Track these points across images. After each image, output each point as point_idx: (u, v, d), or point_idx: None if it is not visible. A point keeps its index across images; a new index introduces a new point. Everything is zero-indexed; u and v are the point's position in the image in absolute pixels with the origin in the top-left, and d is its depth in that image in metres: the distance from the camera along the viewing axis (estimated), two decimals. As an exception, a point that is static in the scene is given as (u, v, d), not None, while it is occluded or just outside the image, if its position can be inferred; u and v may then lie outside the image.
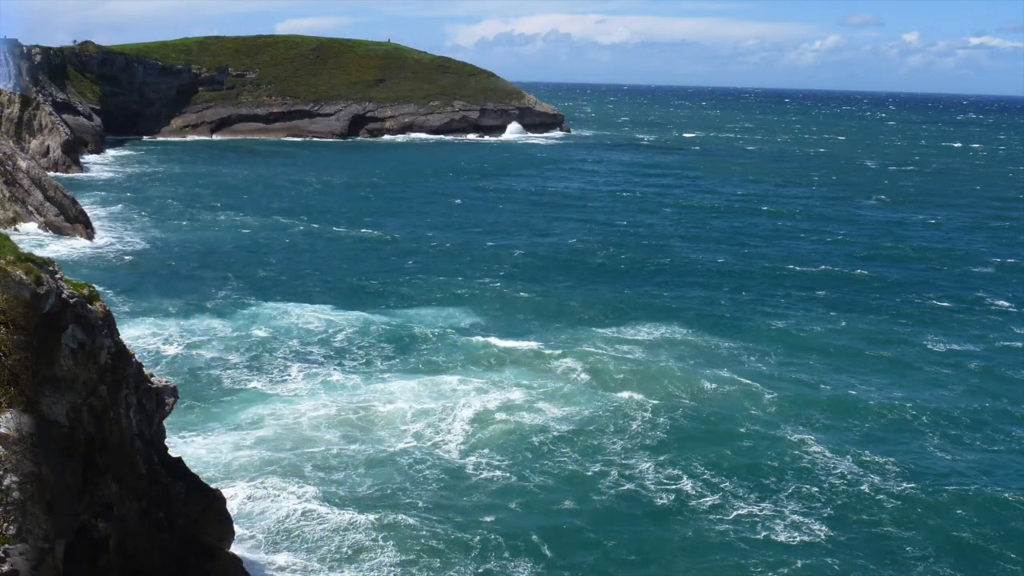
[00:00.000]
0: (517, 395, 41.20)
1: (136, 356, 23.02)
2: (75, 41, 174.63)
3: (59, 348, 19.42)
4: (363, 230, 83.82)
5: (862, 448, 37.02)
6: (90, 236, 75.11)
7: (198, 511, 24.16)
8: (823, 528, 30.81)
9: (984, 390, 44.82)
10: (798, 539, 30.11)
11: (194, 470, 26.22)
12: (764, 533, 30.39)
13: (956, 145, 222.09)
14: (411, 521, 30.15)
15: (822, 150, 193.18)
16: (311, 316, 52.96)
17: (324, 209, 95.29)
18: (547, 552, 28.85)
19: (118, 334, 21.54)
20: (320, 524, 29.88)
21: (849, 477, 34.48)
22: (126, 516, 21.52)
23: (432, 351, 47.87)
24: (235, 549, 26.10)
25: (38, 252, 21.85)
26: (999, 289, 66.57)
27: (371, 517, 30.20)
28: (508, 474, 34.10)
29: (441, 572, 27.64)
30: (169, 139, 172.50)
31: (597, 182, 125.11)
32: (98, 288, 22.43)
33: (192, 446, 34.78)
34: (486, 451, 35.84)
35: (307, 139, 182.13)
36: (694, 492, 33.11)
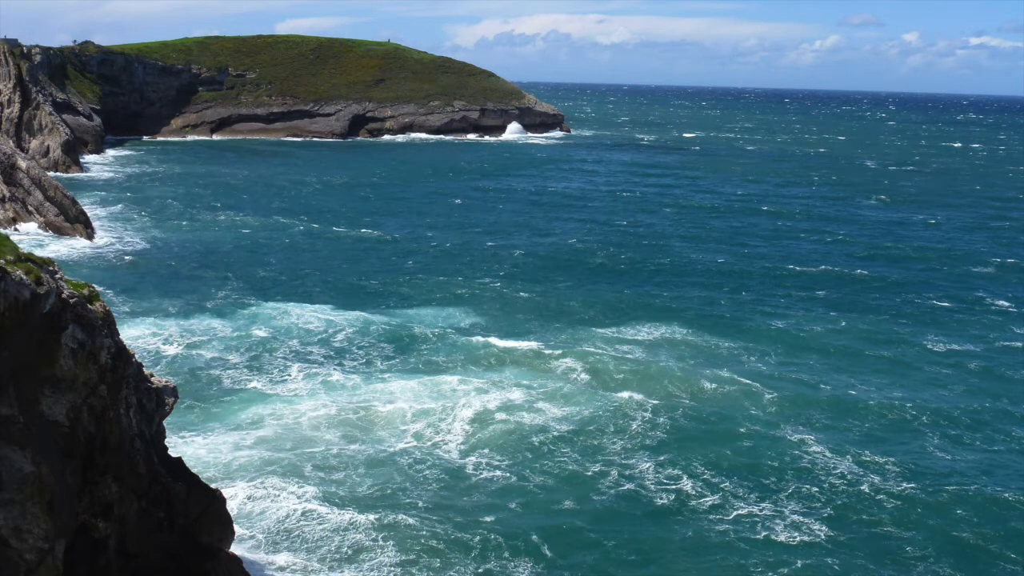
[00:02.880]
0: (517, 395, 41.20)
1: (136, 356, 23.02)
2: (75, 41, 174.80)
3: (59, 348, 19.42)
4: (363, 230, 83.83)
5: (862, 448, 37.03)
6: (90, 236, 75.12)
7: (198, 511, 24.16)
8: (823, 528, 30.82)
9: (984, 390, 44.83)
10: (798, 539, 30.12)
11: (194, 470, 26.23)
12: (764, 533, 30.40)
13: (956, 145, 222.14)
14: (411, 521, 30.16)
15: (822, 150, 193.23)
16: (311, 316, 52.96)
17: (324, 209, 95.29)
18: (547, 552, 28.86)
19: (118, 334, 21.54)
20: (320, 524, 29.88)
21: (849, 477, 34.49)
22: (126, 516, 21.52)
23: (432, 351, 47.88)
24: (235, 549, 26.10)
25: (38, 252, 21.85)
26: (999, 289, 66.58)
27: (371, 517, 30.21)
28: (508, 474, 34.11)
29: (441, 572, 27.65)
30: (169, 139, 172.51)
31: (597, 182, 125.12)
32: (98, 288, 22.44)
33: (192, 446, 34.78)
34: (486, 451, 35.85)
35: (307, 139, 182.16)
36: (694, 492, 33.12)
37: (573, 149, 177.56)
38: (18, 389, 18.48)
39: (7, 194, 76.66)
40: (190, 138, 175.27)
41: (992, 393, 44.37)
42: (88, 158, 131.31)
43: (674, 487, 33.41)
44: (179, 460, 24.95)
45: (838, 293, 63.92)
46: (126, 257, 69.41)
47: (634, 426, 38.42)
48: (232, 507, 27.81)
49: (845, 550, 29.57)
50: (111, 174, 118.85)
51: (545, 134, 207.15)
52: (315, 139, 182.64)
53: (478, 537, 29.39)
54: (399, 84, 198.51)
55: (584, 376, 44.32)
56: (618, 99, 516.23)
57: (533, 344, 48.83)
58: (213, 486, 26.00)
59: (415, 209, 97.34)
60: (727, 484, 33.76)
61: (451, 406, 39.53)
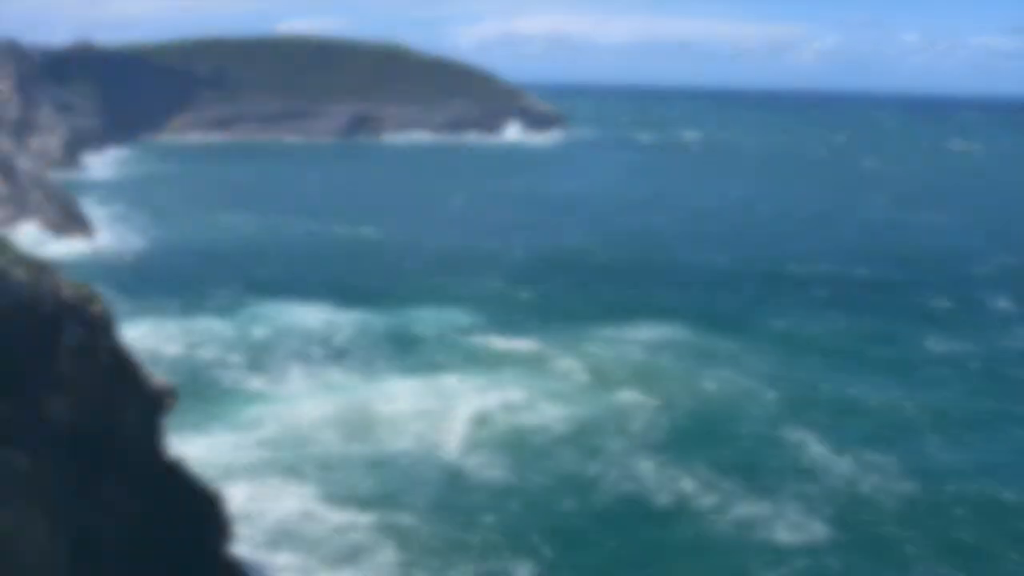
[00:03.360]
0: (517, 395, 41.25)
1: (136, 356, 23.03)
2: (75, 41, 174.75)
3: (59, 348, 19.43)
4: (363, 230, 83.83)
5: (862, 448, 37.06)
6: (90, 236, 75.12)
7: (198, 511, 24.16)
8: (823, 528, 30.84)
9: (984, 390, 44.87)
10: (798, 539, 30.15)
11: (194, 470, 26.21)
12: (764, 533, 30.41)
13: (956, 145, 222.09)
14: (411, 521, 30.19)
15: (822, 150, 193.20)
16: (311, 316, 53.01)
17: (324, 209, 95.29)
18: (547, 552, 28.88)
19: (118, 334, 21.55)
20: (320, 524, 29.92)
21: (849, 477, 34.54)
22: (126, 516, 21.52)
23: (432, 351, 47.93)
24: (235, 549, 26.11)
25: (38, 252, 21.86)
26: (999, 289, 66.56)
27: (371, 517, 30.25)
28: (508, 474, 34.14)
29: (441, 572, 27.68)
30: (169, 139, 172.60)
31: (597, 182, 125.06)
32: (98, 288, 22.44)
33: (192, 446, 34.72)
34: (486, 451, 35.89)
35: (307, 139, 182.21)
36: (694, 492, 33.14)
37: (573, 149, 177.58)
38: (18, 389, 18.49)
39: (7, 194, 76.68)
40: (190, 138, 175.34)
41: (992, 393, 44.41)
42: (88, 158, 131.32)
43: (674, 487, 33.42)
44: (179, 460, 24.95)
45: (838, 293, 63.92)
46: (126, 257, 69.42)
47: (634, 426, 38.45)
48: (232, 507, 27.79)
49: (845, 550, 29.58)
50: (111, 174, 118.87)
51: (545, 134, 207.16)
52: (315, 139, 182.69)
53: (478, 537, 29.42)
54: (399, 84, 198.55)
55: (584, 376, 44.35)
56: (618, 99, 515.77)
57: (533, 344, 48.86)
58: (213, 486, 25.99)
59: (415, 209, 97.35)
60: (727, 484, 33.77)
61: (451, 406, 39.57)
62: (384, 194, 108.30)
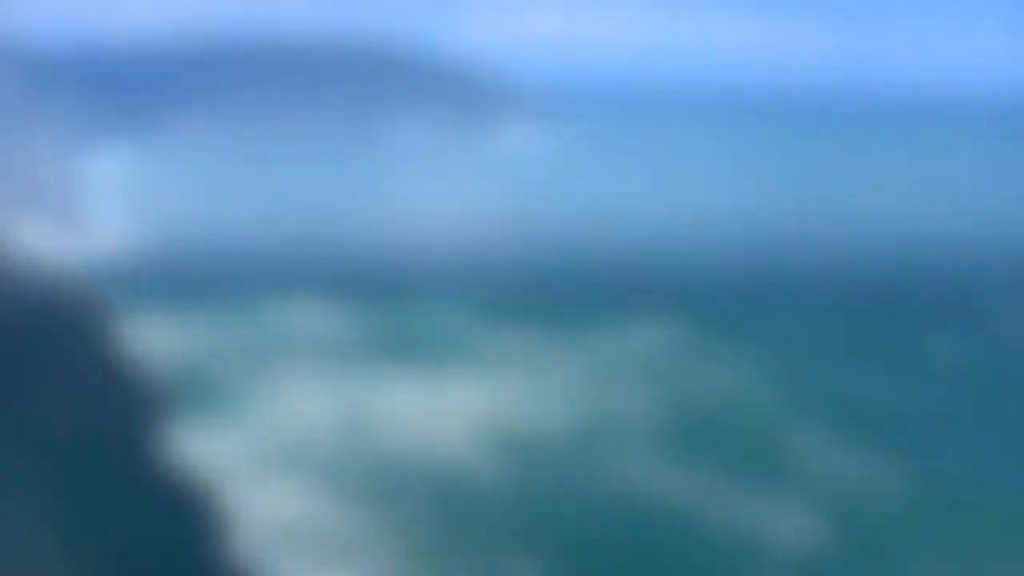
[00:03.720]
0: (517, 395, 41.26)
1: (138, 356, 23.02)
2: (77, 38, 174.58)
3: (60, 348, 19.43)
4: (363, 230, 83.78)
5: (862, 448, 37.07)
6: (91, 236, 75.07)
7: (198, 511, 24.17)
8: (823, 528, 30.84)
9: (984, 390, 44.88)
10: (798, 539, 30.14)
11: (194, 470, 26.21)
12: (764, 533, 30.40)
13: (955, 145, 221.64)
14: (411, 521, 30.21)
15: (822, 150, 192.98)
16: (312, 315, 53.01)
17: (325, 209, 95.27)
18: (547, 552, 28.88)
19: (119, 334, 21.54)
20: (320, 524, 29.92)
21: (849, 477, 34.56)
22: (126, 516, 21.53)
23: (433, 350, 47.92)
24: (235, 548, 26.10)
25: (38, 252, 21.85)
26: (999, 289, 66.47)
27: (371, 517, 30.26)
28: (508, 475, 34.13)
29: (441, 572, 27.69)
30: (170, 138, 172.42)
31: (597, 183, 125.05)
32: (99, 288, 22.45)
33: (192, 446, 34.75)
34: (486, 451, 35.90)
35: (306, 138, 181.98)
36: (694, 492, 33.13)
37: (573, 150, 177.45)
38: (19, 389, 18.51)
39: (7, 192, 76.69)
40: (191, 137, 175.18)
41: (992, 393, 44.43)
42: (89, 157, 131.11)
43: (674, 487, 33.42)
44: (180, 460, 24.95)
45: (838, 293, 63.89)
46: (126, 256, 69.40)
47: (634, 426, 38.47)
48: (233, 508, 27.82)
49: (845, 550, 29.59)
50: (112, 173, 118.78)
51: (543, 134, 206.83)
52: (314, 138, 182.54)
53: (478, 537, 29.42)
54: (400, 84, 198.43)
55: (584, 376, 44.38)
56: (619, 100, 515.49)
57: (534, 343, 48.88)
58: (214, 486, 26.00)
59: (415, 209, 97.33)
60: (727, 484, 33.78)
61: (451, 406, 39.60)
62: (383, 194, 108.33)
